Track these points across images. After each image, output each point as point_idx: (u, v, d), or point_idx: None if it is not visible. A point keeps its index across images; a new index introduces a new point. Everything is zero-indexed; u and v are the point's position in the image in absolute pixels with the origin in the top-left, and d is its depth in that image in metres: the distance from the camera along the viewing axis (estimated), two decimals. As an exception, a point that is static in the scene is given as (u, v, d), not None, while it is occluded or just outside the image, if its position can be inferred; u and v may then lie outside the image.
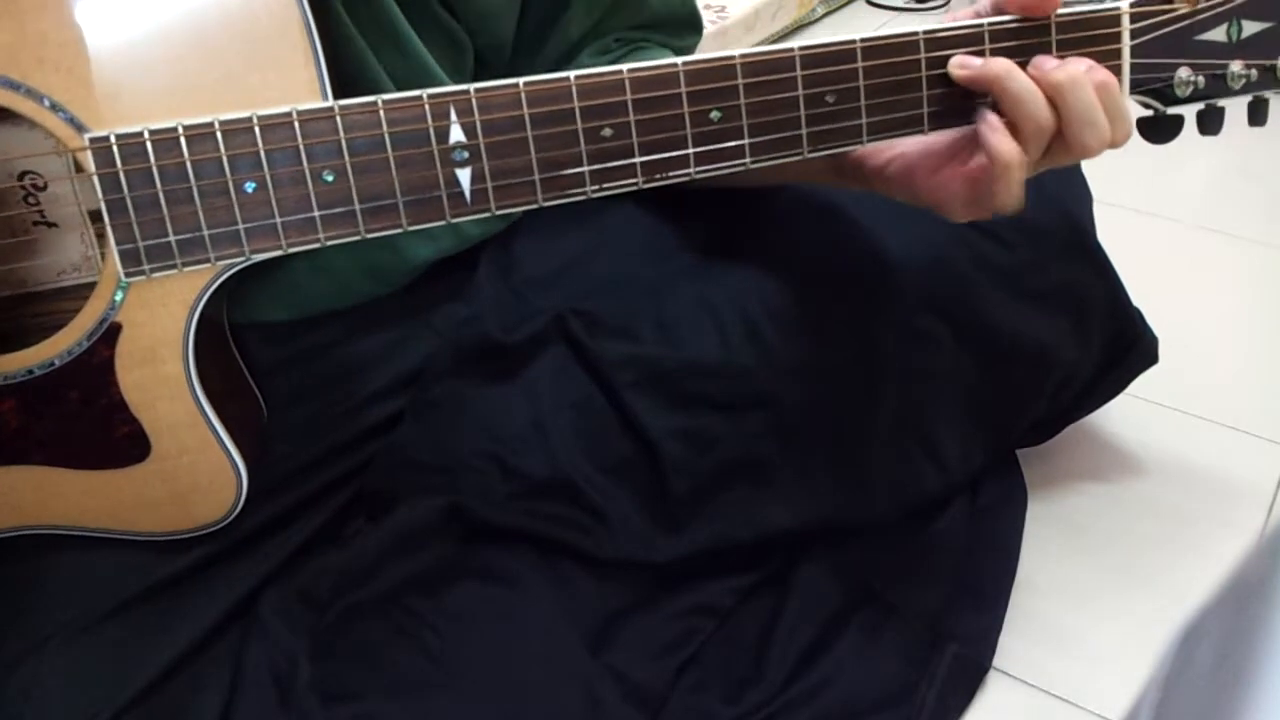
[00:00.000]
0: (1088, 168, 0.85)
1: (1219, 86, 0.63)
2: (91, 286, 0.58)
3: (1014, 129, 0.58)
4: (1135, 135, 0.62)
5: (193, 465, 0.61)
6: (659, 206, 0.79)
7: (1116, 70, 0.61)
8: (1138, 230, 1.31)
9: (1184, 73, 0.62)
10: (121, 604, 0.66)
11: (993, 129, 0.58)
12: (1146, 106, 0.64)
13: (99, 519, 0.63)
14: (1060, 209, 0.79)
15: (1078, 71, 0.57)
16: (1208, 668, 0.31)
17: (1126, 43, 0.61)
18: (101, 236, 0.56)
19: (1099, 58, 0.60)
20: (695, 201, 0.79)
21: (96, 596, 0.66)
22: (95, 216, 0.57)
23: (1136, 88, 0.62)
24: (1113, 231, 0.85)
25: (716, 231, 0.78)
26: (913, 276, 0.75)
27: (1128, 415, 1.00)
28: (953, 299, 0.76)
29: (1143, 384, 0.89)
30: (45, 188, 0.61)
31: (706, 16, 1.64)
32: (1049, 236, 0.78)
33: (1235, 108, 0.65)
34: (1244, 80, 0.62)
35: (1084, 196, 0.83)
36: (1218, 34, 0.61)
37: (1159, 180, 1.41)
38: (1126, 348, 0.86)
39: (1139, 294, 0.85)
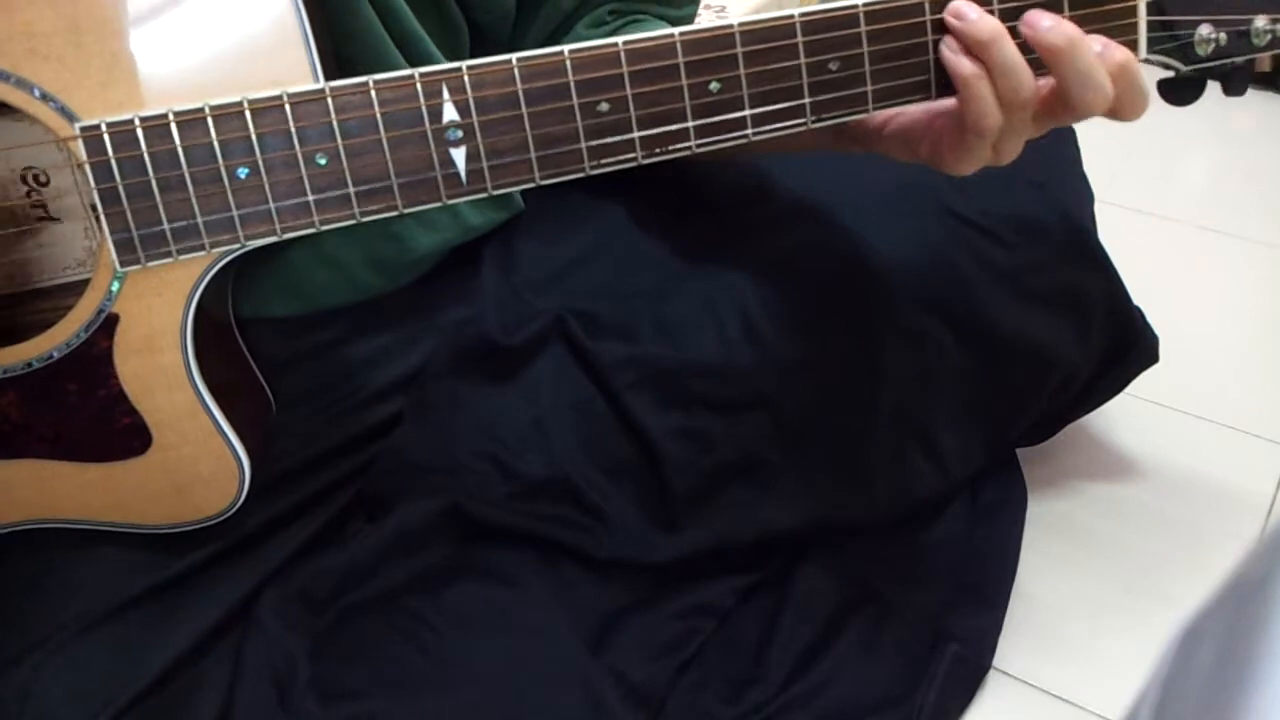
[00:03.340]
0: (1088, 168, 0.85)
1: (1242, 44, 0.59)
2: (95, 281, 0.58)
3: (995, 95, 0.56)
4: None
5: (195, 456, 0.61)
6: (659, 207, 0.79)
7: (1132, 29, 0.58)
8: (1138, 230, 1.31)
9: (1205, 30, 0.59)
10: (122, 604, 0.66)
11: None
12: (1166, 67, 0.61)
13: (101, 512, 0.63)
14: (1060, 209, 0.79)
15: (1076, 35, 0.55)
16: (1208, 668, 0.31)
17: None
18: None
19: (1113, 15, 0.58)
20: (696, 201, 0.79)
21: (97, 597, 0.66)
22: (97, 210, 0.57)
23: (1154, 47, 0.59)
24: (1113, 231, 0.85)
25: (717, 232, 0.78)
26: (912, 276, 0.75)
27: (1128, 415, 1.00)
28: (953, 299, 0.76)
29: (1143, 384, 0.89)
30: (48, 182, 0.61)
31: (706, 17, 1.64)
32: (1049, 236, 0.78)
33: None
34: (1269, 36, 0.59)
35: (1084, 196, 0.83)
36: None
37: (1159, 180, 1.41)
38: (1127, 347, 0.86)
39: (1139, 294, 0.85)
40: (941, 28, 0.57)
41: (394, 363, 0.76)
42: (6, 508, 0.62)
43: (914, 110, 0.61)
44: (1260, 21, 0.59)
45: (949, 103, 0.59)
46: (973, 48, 0.56)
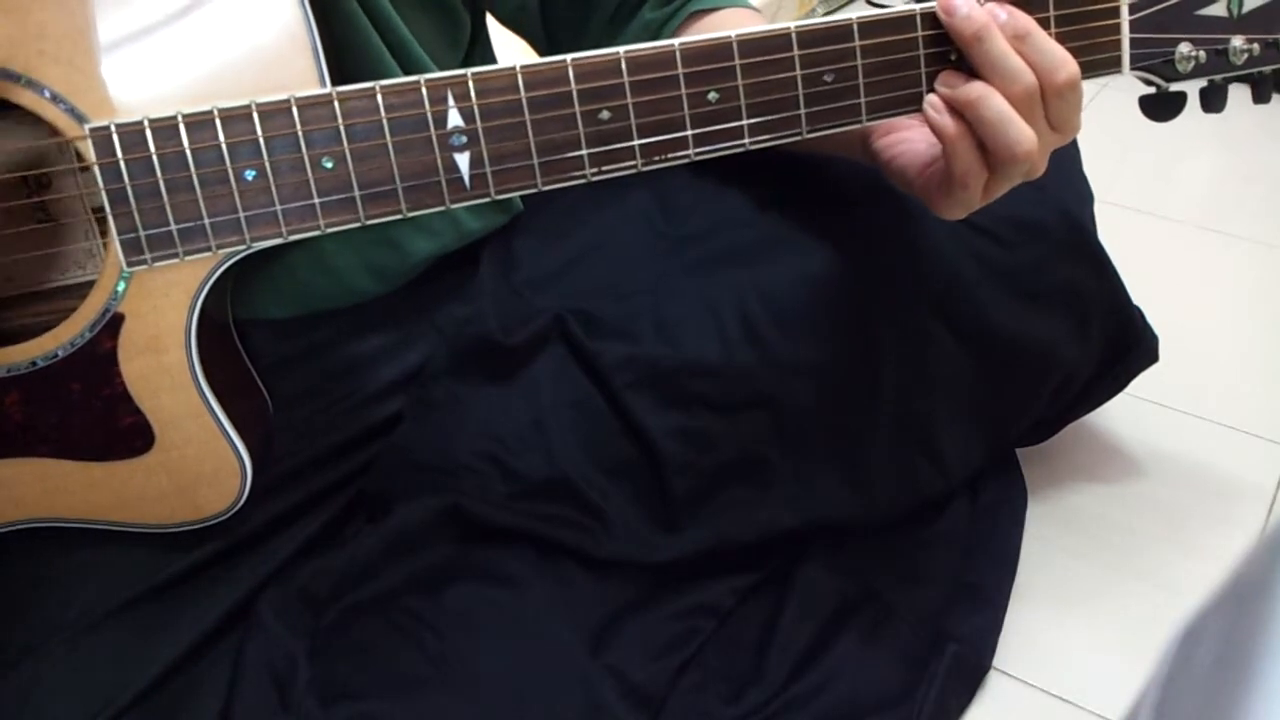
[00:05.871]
0: (1088, 168, 0.85)
1: (1221, 62, 0.62)
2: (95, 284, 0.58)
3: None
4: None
5: (197, 456, 0.61)
6: (659, 206, 0.79)
7: (1115, 45, 0.60)
8: (1138, 230, 1.31)
9: (1185, 48, 0.61)
10: (122, 604, 0.66)
11: (934, 108, 0.58)
12: (1148, 83, 0.63)
13: (103, 511, 0.63)
14: (1060, 209, 0.79)
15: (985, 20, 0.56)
16: (1208, 668, 0.31)
17: (1125, 17, 0.60)
18: (104, 228, 0.57)
19: (1097, 33, 0.60)
20: (696, 201, 0.79)
21: (97, 596, 0.66)
22: (99, 212, 0.57)
23: (1136, 64, 0.61)
24: (1113, 231, 0.85)
25: (716, 233, 0.78)
26: (913, 276, 0.75)
27: (1128, 415, 1.00)
28: (953, 299, 0.76)
29: (1143, 384, 0.89)
30: (50, 184, 0.62)
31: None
32: (1049, 236, 0.78)
33: (1241, 95, 0.64)
34: (1246, 55, 0.61)
35: (1084, 196, 0.83)
36: (1218, 9, 0.61)
37: (1159, 180, 1.41)
38: (1127, 347, 0.86)
39: (1139, 294, 0.85)
40: (932, 42, 0.58)
41: (393, 362, 0.76)
42: (8, 506, 0.62)
43: (908, 159, 0.62)
44: (1237, 41, 0.61)
45: (936, 153, 0.61)
46: (962, 39, 0.56)
